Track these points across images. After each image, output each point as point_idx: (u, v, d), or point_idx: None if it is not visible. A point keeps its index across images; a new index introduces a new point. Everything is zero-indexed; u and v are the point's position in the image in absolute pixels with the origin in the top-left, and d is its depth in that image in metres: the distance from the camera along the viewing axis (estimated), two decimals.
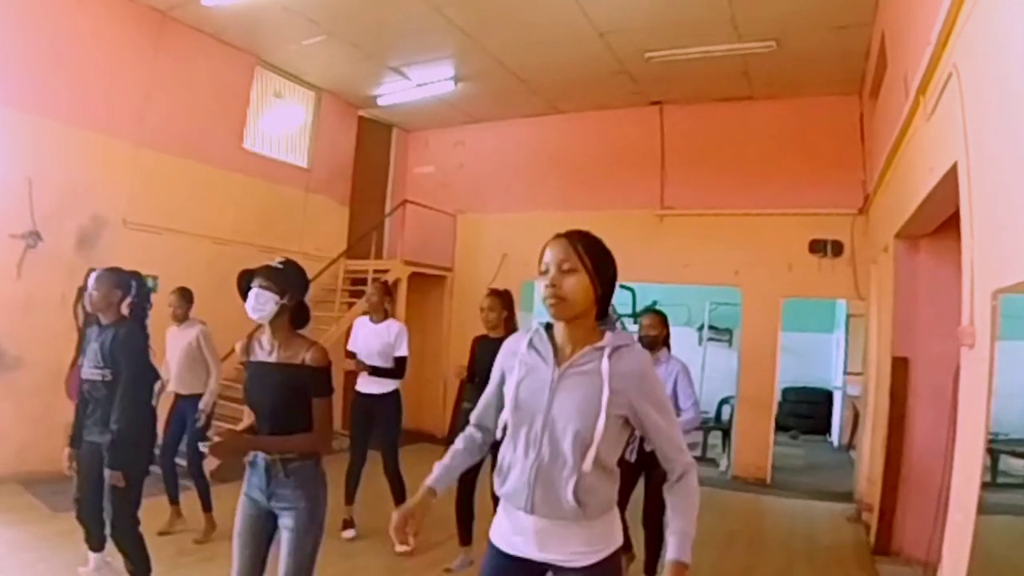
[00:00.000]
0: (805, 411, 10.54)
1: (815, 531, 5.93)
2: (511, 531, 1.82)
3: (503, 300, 4.48)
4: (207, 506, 4.66)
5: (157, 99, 6.76)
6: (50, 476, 5.45)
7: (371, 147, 9.70)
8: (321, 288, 7.92)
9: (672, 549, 1.71)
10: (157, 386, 4.11)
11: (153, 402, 3.84)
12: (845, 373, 9.86)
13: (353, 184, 9.34)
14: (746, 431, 7.67)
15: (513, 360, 1.85)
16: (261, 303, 2.42)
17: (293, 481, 2.40)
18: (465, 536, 4.50)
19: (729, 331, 10.74)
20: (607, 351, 1.74)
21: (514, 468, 1.79)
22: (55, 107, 5.92)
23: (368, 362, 4.80)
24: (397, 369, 4.87)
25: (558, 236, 1.78)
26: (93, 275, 3.31)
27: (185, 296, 4.88)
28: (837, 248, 7.41)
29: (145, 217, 6.65)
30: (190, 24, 6.92)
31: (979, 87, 2.90)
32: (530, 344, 1.85)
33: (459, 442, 2.03)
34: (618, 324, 2.01)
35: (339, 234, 9.01)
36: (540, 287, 1.75)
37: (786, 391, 10.18)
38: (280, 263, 2.51)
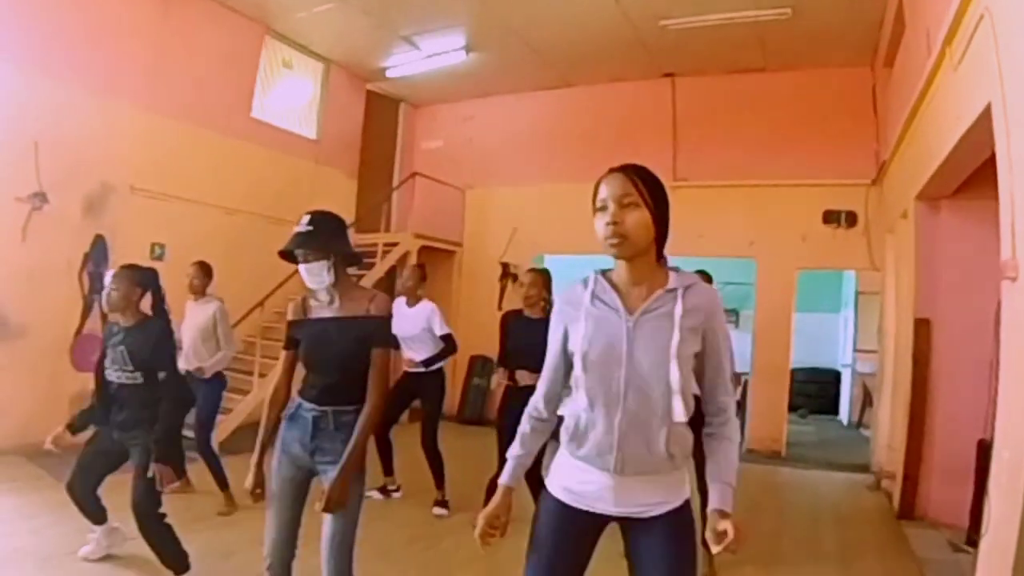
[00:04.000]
0: (813, 391, 10.49)
1: (837, 499, 5.90)
2: (580, 487, 1.73)
3: (544, 278, 4.38)
4: (223, 484, 4.54)
5: (165, 64, 6.64)
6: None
7: (379, 121, 9.61)
8: None
9: (715, 498, 1.65)
10: None
11: None
12: (855, 351, 9.84)
13: (361, 158, 9.26)
14: (761, 404, 7.62)
15: (577, 313, 1.73)
16: (315, 275, 2.35)
17: (343, 434, 2.31)
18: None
19: (736, 311, 10.67)
20: (680, 292, 1.65)
21: (593, 429, 1.68)
22: (63, 69, 5.80)
23: (404, 346, 4.80)
24: (448, 347, 4.86)
25: (613, 170, 1.68)
26: (110, 273, 3.21)
27: (204, 269, 4.77)
28: (851, 219, 7.38)
29: (153, 184, 6.53)
30: None
31: (1014, 23, 2.85)
32: (593, 296, 1.73)
33: (525, 424, 1.90)
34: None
35: (347, 207, 8.88)
36: (598, 226, 1.66)
37: (794, 371, 10.11)
38: (308, 225, 2.35)
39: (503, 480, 1.87)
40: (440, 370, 4.92)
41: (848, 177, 7.37)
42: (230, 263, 6.21)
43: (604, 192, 1.65)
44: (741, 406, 7.95)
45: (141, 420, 3.09)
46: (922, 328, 5.17)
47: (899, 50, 6.13)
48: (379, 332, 2.37)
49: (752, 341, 7.80)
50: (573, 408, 1.75)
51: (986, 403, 4.33)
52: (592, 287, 1.74)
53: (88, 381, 5.88)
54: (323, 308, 2.43)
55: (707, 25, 6.80)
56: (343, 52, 8.45)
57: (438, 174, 9.14)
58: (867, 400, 9.30)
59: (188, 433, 4.73)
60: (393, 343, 2.42)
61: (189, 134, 6.89)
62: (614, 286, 1.72)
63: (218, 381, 4.69)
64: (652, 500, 1.68)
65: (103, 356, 3.21)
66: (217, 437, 5.76)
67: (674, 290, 1.66)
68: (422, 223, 8.64)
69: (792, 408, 9.69)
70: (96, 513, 3.38)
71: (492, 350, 8.48)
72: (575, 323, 1.73)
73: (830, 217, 7.44)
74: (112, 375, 3.14)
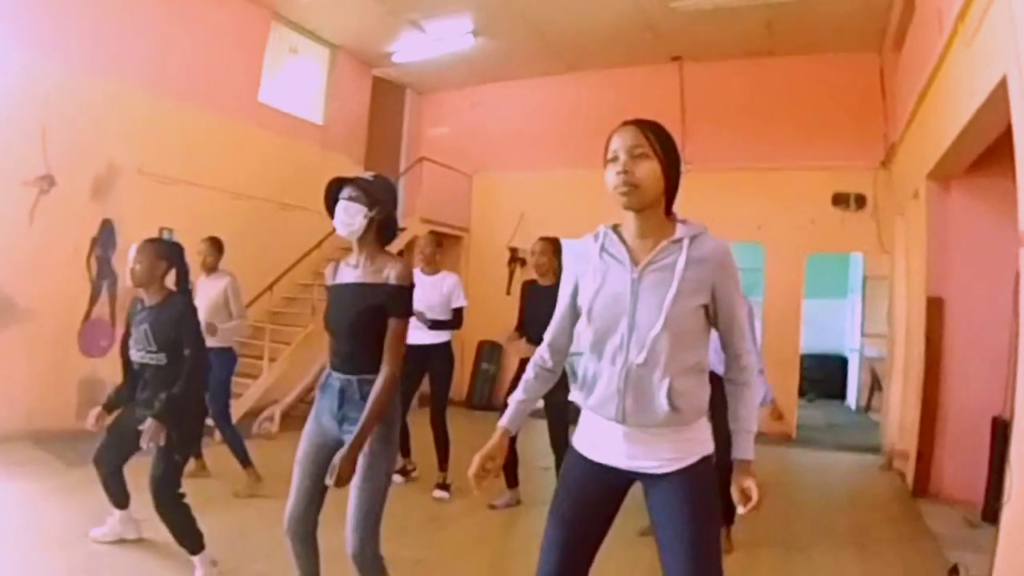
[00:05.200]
0: (820, 376, 10.45)
1: (850, 479, 5.92)
2: (597, 440, 1.75)
3: (554, 246, 4.38)
4: (245, 461, 4.51)
5: (173, 48, 6.61)
6: (62, 433, 5.39)
7: (385, 108, 9.60)
8: (339, 248, 7.78)
9: (739, 448, 1.73)
10: None
11: None
12: (863, 335, 9.82)
13: (367, 144, 9.25)
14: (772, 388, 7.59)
15: (586, 267, 1.76)
16: (350, 216, 2.26)
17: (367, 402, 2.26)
18: (512, 479, 4.52)
19: (744, 297, 10.69)
20: (685, 243, 1.65)
21: (600, 379, 1.70)
22: (69, 52, 5.76)
23: (427, 315, 4.66)
24: (455, 320, 4.80)
25: (626, 123, 1.70)
26: (134, 247, 3.12)
27: (216, 245, 4.76)
28: (860, 201, 7.37)
29: (160, 167, 6.49)
30: None
31: None
32: (602, 249, 1.75)
33: (530, 371, 1.93)
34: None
35: None
36: (608, 176, 1.67)
37: (801, 357, 10.11)
38: (371, 176, 2.37)
39: (501, 422, 1.90)
40: (448, 344, 4.85)
41: (857, 160, 7.36)
42: (237, 247, 6.16)
43: (615, 143, 1.67)
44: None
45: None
46: (934, 306, 5.16)
47: (909, 32, 6.11)
48: (395, 301, 2.29)
49: (762, 325, 7.76)
50: (584, 360, 1.77)
51: (999, 379, 4.34)
52: (601, 240, 1.76)
53: (96, 366, 5.96)
54: (349, 272, 2.37)
55: (716, 8, 6.76)
56: (349, 37, 8.41)
57: (445, 160, 9.11)
58: (875, 384, 9.29)
59: (208, 422, 4.74)
60: (410, 314, 2.35)
61: (196, 118, 6.85)
62: (622, 239, 1.74)
63: (228, 354, 4.64)
64: (664, 456, 1.67)
65: (127, 334, 3.17)
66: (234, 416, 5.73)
67: (679, 240, 1.66)
68: (429, 208, 8.61)
69: (800, 394, 9.71)
70: (120, 496, 3.35)
71: (500, 336, 8.51)
72: (584, 276, 1.76)
73: (839, 200, 7.43)
74: (135, 355, 3.08)
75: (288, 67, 8.19)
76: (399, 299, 2.29)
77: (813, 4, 6.57)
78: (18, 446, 5.16)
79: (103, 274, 6.07)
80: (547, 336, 1.92)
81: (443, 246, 5.14)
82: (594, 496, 1.76)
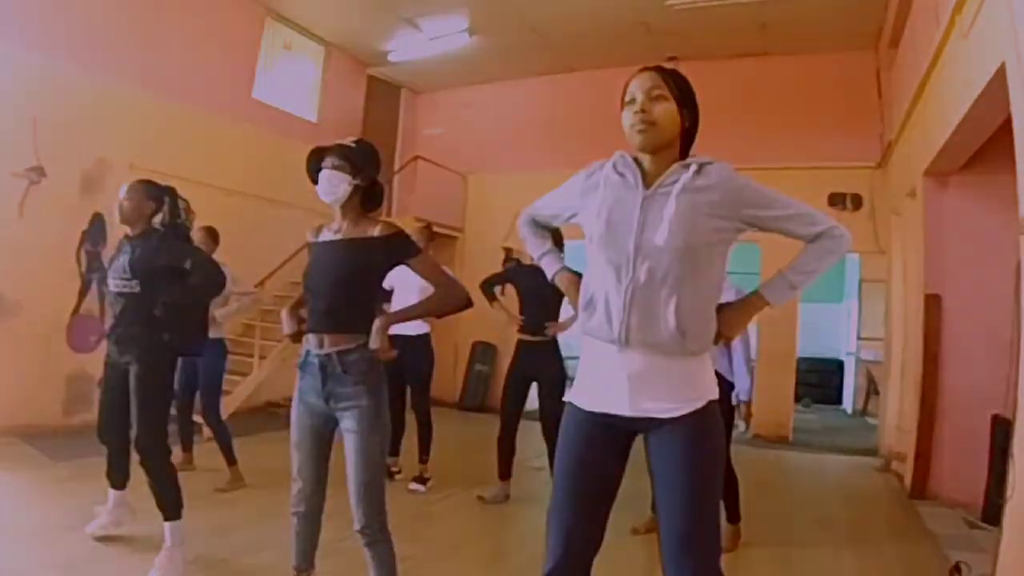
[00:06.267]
0: (816, 380, 10.39)
1: (847, 480, 5.85)
2: (598, 385, 1.67)
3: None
4: (231, 459, 4.43)
5: (166, 44, 6.56)
6: (49, 429, 5.36)
7: (380, 107, 9.59)
8: None
9: (769, 285, 1.70)
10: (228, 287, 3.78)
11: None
12: (860, 339, 9.78)
13: None
14: (768, 390, 7.51)
15: (596, 182, 1.74)
16: (334, 185, 2.27)
17: (352, 377, 2.23)
18: (505, 471, 4.45)
19: None
20: (693, 167, 1.63)
21: (603, 296, 1.65)
22: (61, 46, 5.70)
23: (410, 299, 4.48)
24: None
25: (645, 68, 1.69)
26: (124, 185, 3.12)
27: (211, 235, 4.63)
28: (856, 201, 7.36)
29: (152, 162, 6.31)
30: None
31: None
32: (614, 168, 1.72)
33: (527, 227, 2.07)
34: None
35: None
36: (625, 117, 1.66)
37: (797, 361, 10.08)
38: (353, 142, 2.36)
39: (557, 269, 1.98)
40: (427, 335, 4.75)
41: (853, 160, 7.34)
42: (228, 244, 6.07)
43: (633, 86, 1.67)
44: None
45: (136, 336, 2.99)
46: (932, 303, 5.13)
47: (905, 29, 6.11)
48: (398, 247, 2.28)
49: (757, 328, 7.73)
50: (586, 278, 1.74)
51: (998, 376, 4.29)
52: (614, 162, 1.74)
53: (84, 362, 5.86)
54: (331, 235, 2.37)
55: (711, 5, 6.76)
56: (344, 35, 8.39)
57: (439, 160, 9.09)
58: (871, 388, 9.24)
59: (196, 419, 4.67)
60: (420, 250, 2.34)
61: (189, 113, 6.79)
62: (638, 164, 1.71)
63: (219, 346, 4.53)
64: (669, 397, 1.60)
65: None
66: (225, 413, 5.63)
67: (687, 165, 1.65)
68: (423, 208, 8.56)
69: (795, 398, 9.66)
70: (121, 475, 3.27)
71: (494, 337, 8.48)
72: (593, 192, 1.73)
73: (835, 200, 7.40)
74: (113, 285, 3.06)
75: (282, 64, 8.15)
76: (399, 244, 2.30)
77: (808, 3, 6.57)
78: (5, 440, 5.08)
79: (92, 268, 5.98)
80: (539, 209, 2.01)
81: (435, 239, 5.08)
82: (598, 451, 1.68)
